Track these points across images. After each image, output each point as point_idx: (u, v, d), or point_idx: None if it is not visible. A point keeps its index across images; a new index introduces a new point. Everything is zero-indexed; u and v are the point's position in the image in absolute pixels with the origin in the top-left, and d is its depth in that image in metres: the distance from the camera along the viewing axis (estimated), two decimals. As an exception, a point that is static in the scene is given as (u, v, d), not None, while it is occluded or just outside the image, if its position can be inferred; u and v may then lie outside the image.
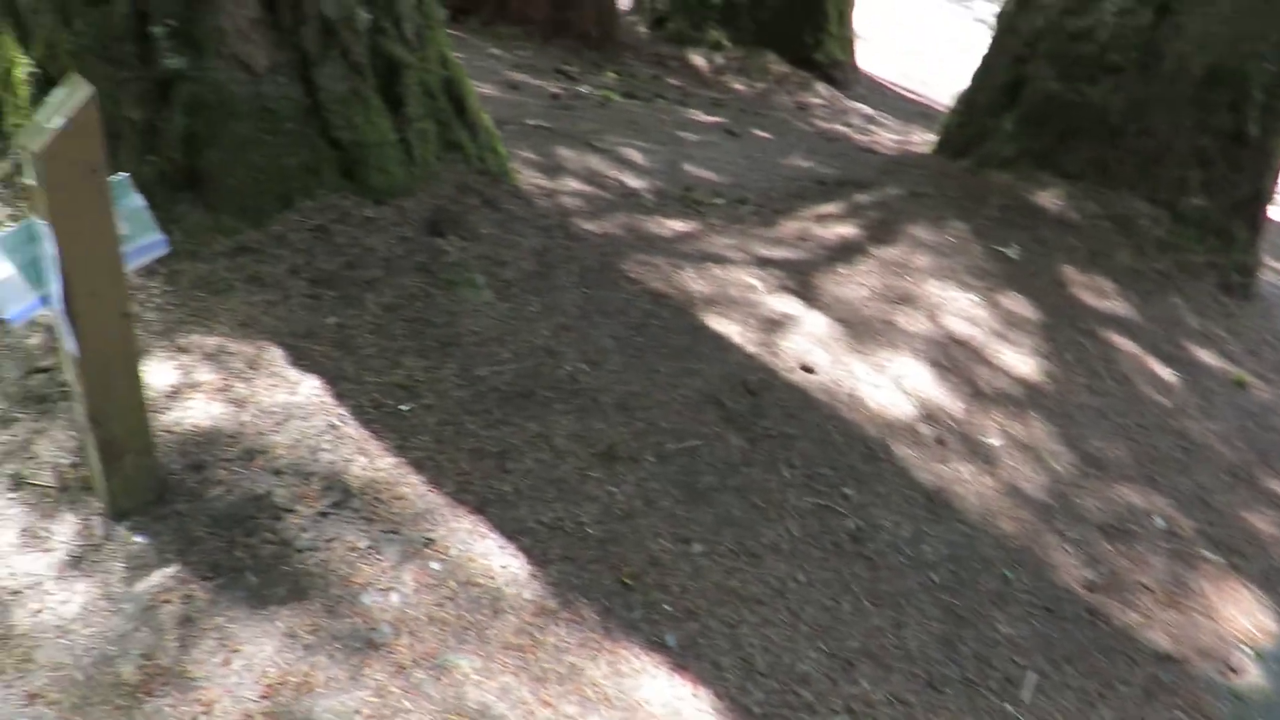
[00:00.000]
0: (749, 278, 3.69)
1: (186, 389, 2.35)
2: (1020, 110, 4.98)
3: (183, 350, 2.44)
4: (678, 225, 4.11)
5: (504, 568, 2.17)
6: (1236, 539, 3.15)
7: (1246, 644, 2.77)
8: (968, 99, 5.38)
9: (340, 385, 2.46)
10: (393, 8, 2.82)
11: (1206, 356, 4.23)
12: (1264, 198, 4.90)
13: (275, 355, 2.49)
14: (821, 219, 4.48)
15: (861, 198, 4.76)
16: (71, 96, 1.58)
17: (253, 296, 2.63)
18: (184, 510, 2.06)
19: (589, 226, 3.76)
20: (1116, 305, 4.29)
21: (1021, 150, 4.98)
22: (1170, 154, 4.71)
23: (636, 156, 4.91)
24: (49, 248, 1.70)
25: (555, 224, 3.58)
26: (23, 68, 2.52)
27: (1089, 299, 4.25)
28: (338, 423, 2.35)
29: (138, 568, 1.93)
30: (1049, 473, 3.12)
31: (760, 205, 4.67)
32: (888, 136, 6.90)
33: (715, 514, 2.51)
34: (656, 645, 2.13)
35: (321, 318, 2.65)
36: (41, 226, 1.67)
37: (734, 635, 2.21)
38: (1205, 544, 3.08)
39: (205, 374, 2.40)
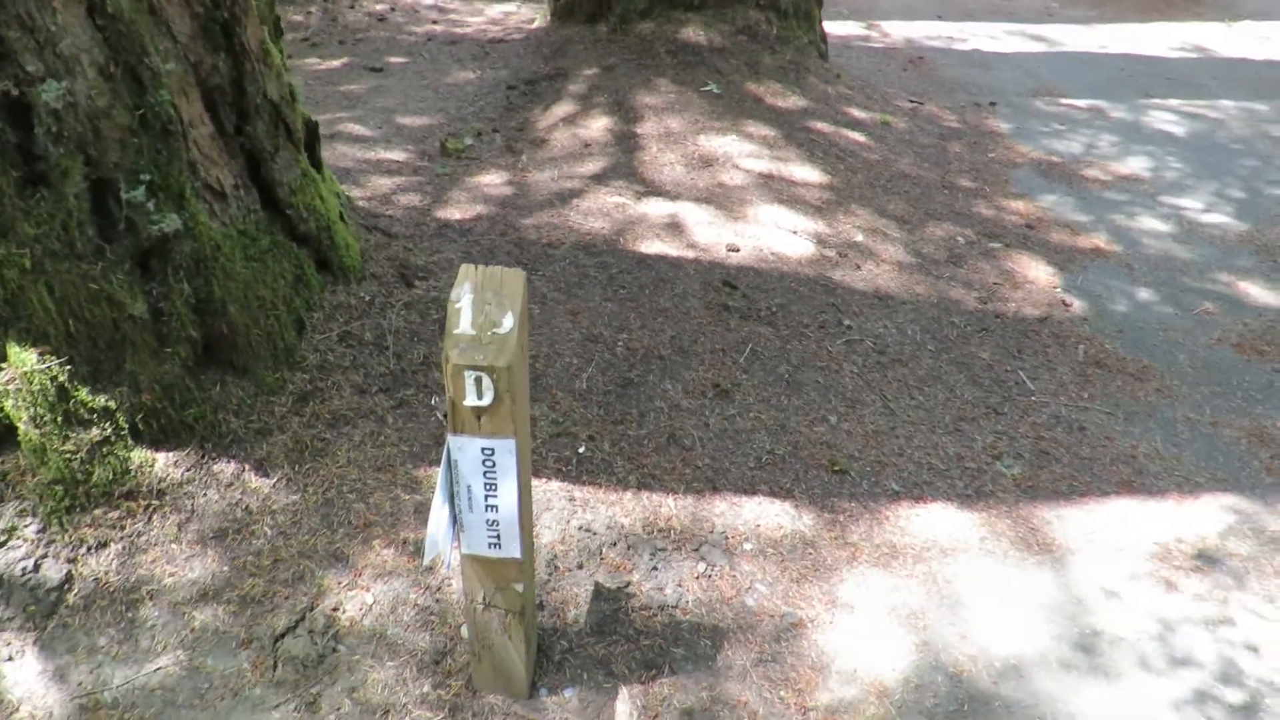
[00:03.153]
0: (609, 196, 3.88)
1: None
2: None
3: (380, 543, 2.11)
4: (491, 178, 4.03)
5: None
6: (995, 229, 4.43)
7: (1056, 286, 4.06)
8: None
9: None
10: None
11: (860, 113, 5.44)
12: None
13: (427, 474, 2.27)
14: (570, 121, 4.67)
15: (575, 88, 4.99)
16: (496, 288, 1.37)
17: (354, 436, 2.28)
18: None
19: (443, 214, 3.57)
20: (792, 101, 5.25)
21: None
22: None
23: (357, 129, 4.50)
24: (472, 463, 1.49)
25: (433, 230, 3.37)
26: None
27: (780, 103, 5.14)
28: (577, 494, 2.30)
29: None
30: (897, 241, 4.03)
31: (496, 131, 4.67)
32: (471, 19, 6.92)
33: (813, 390, 2.95)
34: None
35: (426, 414, 2.41)
36: (465, 443, 1.46)
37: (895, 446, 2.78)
38: (990, 240, 4.28)
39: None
